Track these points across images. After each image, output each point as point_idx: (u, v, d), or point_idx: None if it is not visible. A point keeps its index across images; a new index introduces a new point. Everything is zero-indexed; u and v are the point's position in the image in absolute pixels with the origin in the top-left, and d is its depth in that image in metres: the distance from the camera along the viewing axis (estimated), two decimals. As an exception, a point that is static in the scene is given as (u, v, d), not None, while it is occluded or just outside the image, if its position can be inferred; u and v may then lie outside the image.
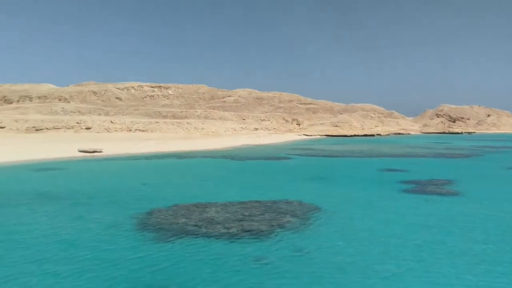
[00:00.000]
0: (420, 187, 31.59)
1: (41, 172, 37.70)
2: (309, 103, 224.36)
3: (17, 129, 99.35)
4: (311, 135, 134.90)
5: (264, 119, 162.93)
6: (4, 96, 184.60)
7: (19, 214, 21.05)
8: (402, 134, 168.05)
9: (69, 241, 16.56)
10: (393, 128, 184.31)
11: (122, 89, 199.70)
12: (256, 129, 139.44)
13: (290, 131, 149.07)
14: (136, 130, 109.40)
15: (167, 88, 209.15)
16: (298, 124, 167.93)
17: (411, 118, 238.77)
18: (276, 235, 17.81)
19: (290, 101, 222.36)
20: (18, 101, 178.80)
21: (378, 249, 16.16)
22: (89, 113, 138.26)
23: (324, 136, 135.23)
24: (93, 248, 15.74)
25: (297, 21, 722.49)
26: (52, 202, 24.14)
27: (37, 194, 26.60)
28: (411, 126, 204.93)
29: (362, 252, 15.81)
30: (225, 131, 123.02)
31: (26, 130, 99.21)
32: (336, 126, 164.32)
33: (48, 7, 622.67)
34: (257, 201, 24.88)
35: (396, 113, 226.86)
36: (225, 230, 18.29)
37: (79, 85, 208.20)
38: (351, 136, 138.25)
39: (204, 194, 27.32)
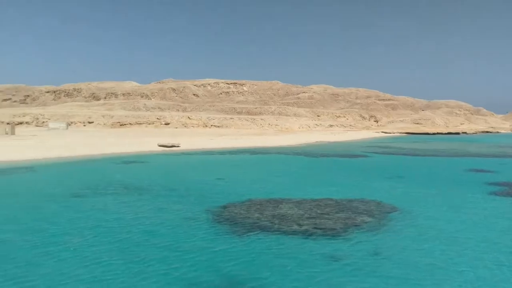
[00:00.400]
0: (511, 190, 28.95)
1: (125, 164, 40.09)
2: (388, 99, 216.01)
3: (104, 124, 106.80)
4: (390, 133, 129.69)
5: (339, 116, 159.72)
6: (93, 93, 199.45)
7: (106, 204, 22.43)
8: (491, 132, 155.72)
9: (151, 231, 17.27)
10: (480, 126, 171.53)
11: (199, 86, 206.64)
12: (331, 125, 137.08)
13: (367, 128, 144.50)
14: (211, 125, 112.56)
15: (242, 84, 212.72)
16: (376, 121, 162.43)
17: (501, 115, 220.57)
18: (351, 235, 17.17)
19: (368, 97, 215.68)
20: (105, 98, 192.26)
21: (467, 254, 14.91)
22: (168, 109, 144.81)
23: (404, 134, 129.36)
24: (173, 238, 16.26)
25: (380, 17, 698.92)
26: (135, 193, 25.45)
27: (121, 185, 28.24)
28: (501, 124, 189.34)
29: (450, 257, 14.60)
30: (299, 128, 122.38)
31: (112, 125, 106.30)
32: (417, 123, 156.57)
33: (126, 11, 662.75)
34: (331, 199, 24.28)
35: (484, 110, 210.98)
36: (298, 227, 18.01)
37: (159, 82, 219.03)
38: (434, 134, 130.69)
39: (277, 190, 27.23)
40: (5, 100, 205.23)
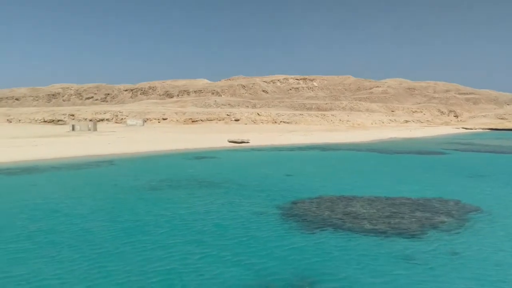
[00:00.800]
0: None
1: (196, 160, 41.29)
2: (469, 93, 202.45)
3: (177, 120, 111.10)
4: (471, 129, 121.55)
5: (415, 111, 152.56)
6: (167, 91, 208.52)
7: (180, 197, 23.20)
8: None
9: (223, 225, 17.54)
10: None
11: (269, 82, 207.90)
12: (406, 121, 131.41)
13: (446, 123, 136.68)
14: (281, 122, 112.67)
15: (312, 80, 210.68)
16: (456, 116, 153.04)
17: None
18: (428, 235, 16.16)
19: (447, 90, 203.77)
20: (178, 95, 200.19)
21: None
22: (238, 105, 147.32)
23: (487, 130, 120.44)
24: (244, 233, 16.38)
25: (460, 9, 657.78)
26: (207, 188, 26.06)
27: (194, 179, 29.07)
28: None
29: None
30: (371, 124, 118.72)
31: (184, 121, 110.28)
32: (501, 118, 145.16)
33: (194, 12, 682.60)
34: (406, 198, 23.09)
35: None
36: (371, 226, 17.29)
37: (229, 79, 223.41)
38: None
39: (348, 188, 26.46)
40: (88, 98, 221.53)
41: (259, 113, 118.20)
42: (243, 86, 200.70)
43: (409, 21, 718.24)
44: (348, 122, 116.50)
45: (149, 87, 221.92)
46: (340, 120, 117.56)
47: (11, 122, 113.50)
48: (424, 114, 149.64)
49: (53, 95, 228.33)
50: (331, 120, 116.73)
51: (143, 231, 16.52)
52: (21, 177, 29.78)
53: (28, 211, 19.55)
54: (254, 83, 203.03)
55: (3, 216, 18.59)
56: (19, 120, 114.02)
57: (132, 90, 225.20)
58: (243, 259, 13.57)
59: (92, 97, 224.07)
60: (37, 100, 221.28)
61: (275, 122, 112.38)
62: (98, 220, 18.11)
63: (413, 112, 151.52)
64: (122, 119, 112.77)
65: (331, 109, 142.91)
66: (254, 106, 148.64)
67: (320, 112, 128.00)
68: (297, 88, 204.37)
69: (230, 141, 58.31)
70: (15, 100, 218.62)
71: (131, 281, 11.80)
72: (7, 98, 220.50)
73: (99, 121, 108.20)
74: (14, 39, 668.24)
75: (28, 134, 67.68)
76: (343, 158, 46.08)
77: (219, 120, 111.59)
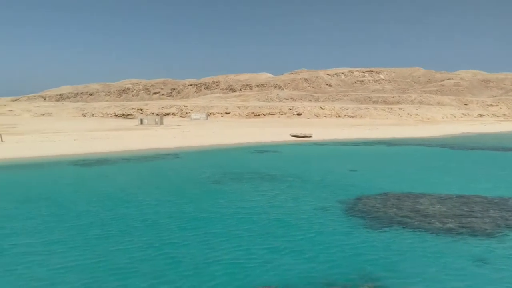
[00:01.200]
0: None
1: (258, 153, 41.58)
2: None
3: (239, 114, 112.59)
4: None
5: (491, 104, 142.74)
6: (230, 86, 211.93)
7: (243, 191, 23.47)
8: None
9: (286, 220, 17.45)
10: None
11: (332, 75, 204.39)
12: (480, 115, 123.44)
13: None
14: (344, 116, 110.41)
15: (378, 72, 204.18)
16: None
17: None
18: (503, 236, 15.16)
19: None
20: (240, 89, 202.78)
21: None
22: (301, 99, 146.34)
23: None
24: (308, 229, 16.20)
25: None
26: (269, 182, 26.15)
27: (256, 173, 29.31)
28: None
29: None
30: (442, 118, 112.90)
31: (246, 115, 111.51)
32: None
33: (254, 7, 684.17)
34: (479, 196, 21.66)
35: None
36: (441, 225, 16.38)
37: (292, 73, 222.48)
38: None
39: (416, 184, 25.31)
40: (155, 93, 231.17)
41: (322, 107, 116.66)
42: (306, 80, 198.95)
43: (484, 10, 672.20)
44: (417, 116, 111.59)
45: (212, 81, 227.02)
46: (409, 114, 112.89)
47: (85, 116, 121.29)
48: (501, 108, 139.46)
49: (123, 90, 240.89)
50: (399, 114, 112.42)
51: (208, 223, 16.92)
52: (94, 168, 31.71)
53: (101, 201, 20.75)
54: (317, 77, 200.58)
55: (79, 204, 19.87)
56: (93, 114, 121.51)
57: (196, 85, 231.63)
58: (306, 254, 13.43)
59: (159, 92, 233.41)
60: (109, 95, 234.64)
61: (339, 116, 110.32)
62: (165, 211, 18.81)
63: (488, 105, 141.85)
64: (186, 113, 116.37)
65: (398, 102, 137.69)
66: (317, 100, 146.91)
67: (386, 106, 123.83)
68: (363, 81, 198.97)
69: (292, 135, 58.06)
70: (89, 95, 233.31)
71: (197, 270, 12.11)
72: (82, 93, 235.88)
73: (165, 115, 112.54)
74: (87, 40, 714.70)
75: (100, 127, 71.91)
76: (411, 153, 44.23)
77: (281, 114, 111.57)
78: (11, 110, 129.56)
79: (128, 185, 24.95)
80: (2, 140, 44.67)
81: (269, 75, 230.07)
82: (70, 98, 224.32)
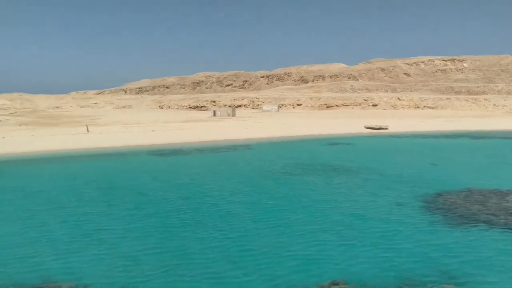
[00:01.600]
0: None
1: (330, 146, 40.80)
2: None
3: (311, 106, 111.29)
4: None
5: None
6: (302, 77, 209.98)
7: (316, 184, 23.13)
8: None
9: (362, 215, 16.87)
10: None
11: (411, 65, 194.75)
12: None
13: None
14: (424, 107, 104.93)
15: (461, 61, 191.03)
16: None
17: None
18: None
19: None
20: (313, 80, 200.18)
21: None
22: (376, 90, 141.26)
23: None
24: (384, 225, 15.56)
25: None
26: (343, 175, 25.53)
27: (329, 166, 28.78)
28: None
29: None
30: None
31: (319, 107, 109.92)
32: None
33: None
34: None
35: None
36: (532, 226, 14.93)
37: (367, 62, 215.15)
38: None
39: (503, 180, 23.35)
40: (227, 85, 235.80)
41: (399, 97, 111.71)
42: (382, 69, 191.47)
43: None
44: (504, 107, 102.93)
45: (284, 73, 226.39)
46: (495, 105, 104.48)
47: (162, 108, 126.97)
48: None
49: (197, 83, 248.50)
50: (484, 105, 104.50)
51: (280, 215, 16.86)
52: (170, 158, 33.09)
53: (177, 190, 21.57)
54: (394, 66, 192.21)
55: (157, 193, 20.83)
56: (169, 106, 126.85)
57: (268, 77, 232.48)
58: (382, 251, 12.91)
59: (231, 84, 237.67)
60: (184, 88, 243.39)
61: (418, 107, 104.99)
62: (238, 202, 19.07)
63: None
64: (258, 105, 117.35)
65: (484, 92, 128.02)
66: (394, 90, 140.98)
67: (470, 96, 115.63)
68: (444, 70, 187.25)
69: (367, 127, 56.25)
70: (166, 88, 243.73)
71: (269, 262, 12.14)
72: (159, 86, 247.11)
73: (237, 107, 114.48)
74: (164, 38, 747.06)
75: (175, 119, 74.86)
76: (497, 147, 40.96)
77: (356, 106, 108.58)
78: (96, 103, 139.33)
79: (201, 175, 25.70)
80: (88, 131, 48.21)
81: (343, 65, 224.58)
82: (148, 91, 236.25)
